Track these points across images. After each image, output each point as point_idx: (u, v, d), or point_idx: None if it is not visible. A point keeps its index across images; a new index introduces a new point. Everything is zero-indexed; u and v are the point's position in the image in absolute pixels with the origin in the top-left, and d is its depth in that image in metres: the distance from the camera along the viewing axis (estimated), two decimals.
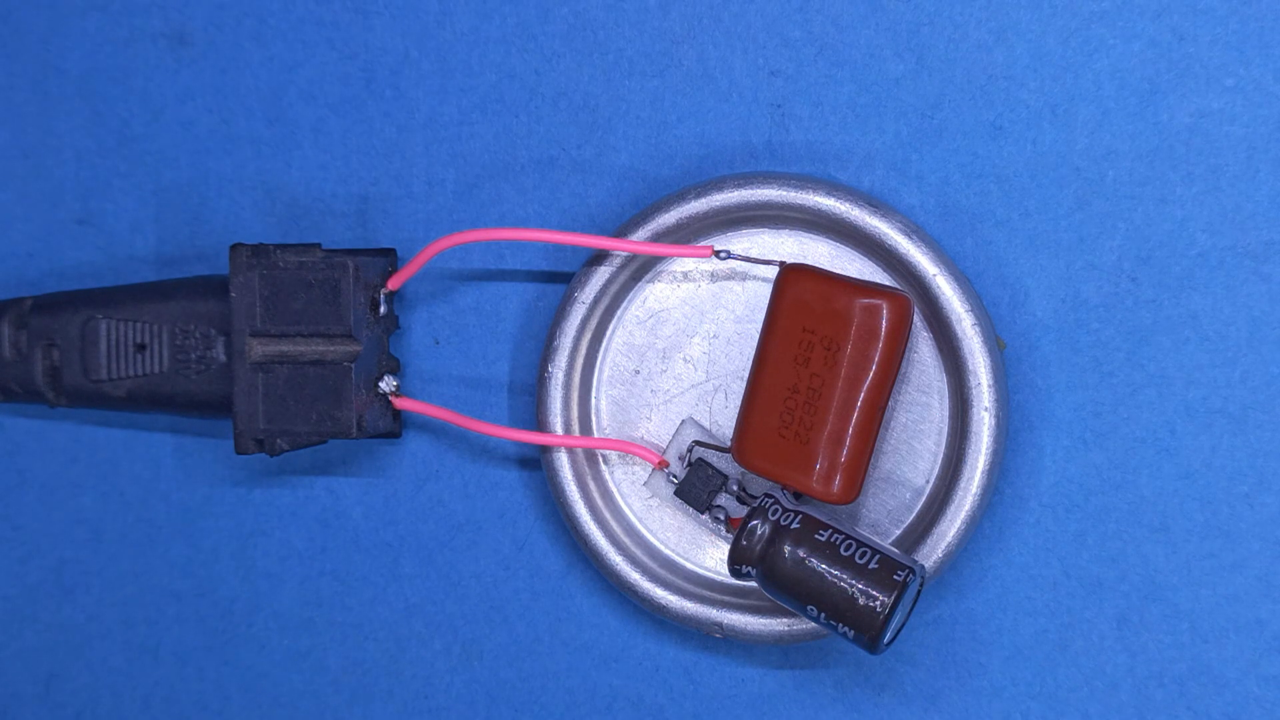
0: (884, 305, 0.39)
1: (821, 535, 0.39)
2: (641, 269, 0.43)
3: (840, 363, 0.40)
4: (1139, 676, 0.42)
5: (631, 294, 0.43)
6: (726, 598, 0.43)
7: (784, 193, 0.41)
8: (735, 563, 0.40)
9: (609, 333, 0.43)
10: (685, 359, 0.43)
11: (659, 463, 0.42)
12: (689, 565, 0.43)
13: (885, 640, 0.38)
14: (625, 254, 0.42)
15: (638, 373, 0.43)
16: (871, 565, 0.38)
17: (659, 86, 0.43)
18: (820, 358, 0.40)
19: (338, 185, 0.45)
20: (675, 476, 0.42)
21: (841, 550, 0.39)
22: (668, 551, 0.43)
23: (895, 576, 0.38)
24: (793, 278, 0.40)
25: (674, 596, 0.42)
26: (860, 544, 0.39)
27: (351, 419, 0.42)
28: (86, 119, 0.46)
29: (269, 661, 0.46)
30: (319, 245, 0.42)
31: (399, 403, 0.43)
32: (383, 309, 0.43)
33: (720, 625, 0.42)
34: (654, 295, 0.43)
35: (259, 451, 0.43)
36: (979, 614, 0.43)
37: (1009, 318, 0.42)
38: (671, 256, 0.42)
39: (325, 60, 0.45)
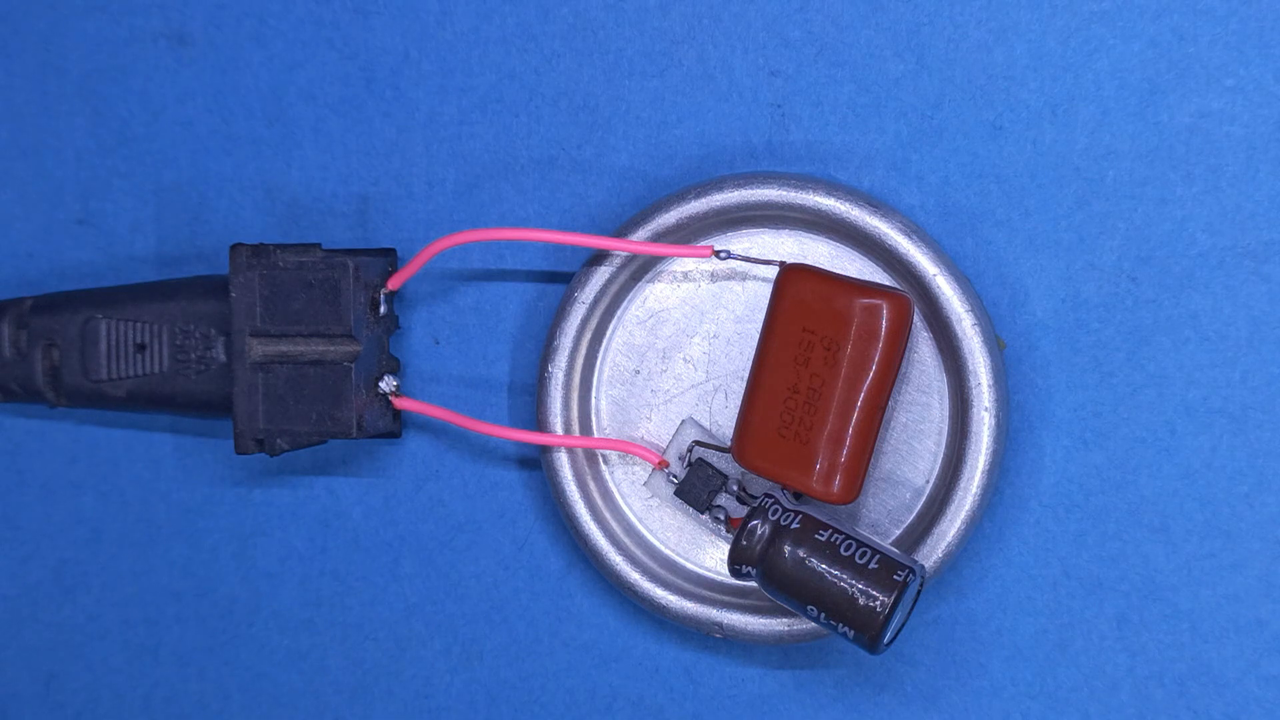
0: (884, 305, 0.39)
1: (821, 535, 0.39)
2: (641, 269, 0.43)
3: (840, 363, 0.40)
4: (1139, 676, 0.42)
5: (631, 294, 0.43)
6: (726, 598, 0.43)
7: (784, 193, 0.41)
8: (735, 563, 0.40)
9: (609, 333, 0.43)
10: (685, 359, 0.43)
11: (659, 463, 0.42)
12: (689, 565, 0.43)
13: (885, 640, 0.38)
14: (625, 254, 0.42)
15: (638, 373, 0.43)
16: (871, 565, 0.38)
17: (659, 86, 0.43)
18: (820, 358, 0.40)
19: (338, 185, 0.45)
20: (675, 476, 0.42)
21: (841, 550, 0.39)
22: (668, 551, 0.43)
23: (895, 576, 0.38)
24: (793, 278, 0.40)
25: (674, 596, 0.42)
26: (860, 544, 0.39)
27: (351, 419, 0.42)
28: (86, 119, 0.46)
29: (269, 661, 0.46)
30: (319, 245, 0.42)
31: (399, 403, 0.43)
32: (383, 309, 0.43)
33: (720, 625, 0.42)
34: (654, 295, 0.43)
35: (259, 451, 0.43)
36: (979, 614, 0.43)
37: (1009, 318, 0.42)
38: (671, 256, 0.42)
39: (325, 60, 0.45)
